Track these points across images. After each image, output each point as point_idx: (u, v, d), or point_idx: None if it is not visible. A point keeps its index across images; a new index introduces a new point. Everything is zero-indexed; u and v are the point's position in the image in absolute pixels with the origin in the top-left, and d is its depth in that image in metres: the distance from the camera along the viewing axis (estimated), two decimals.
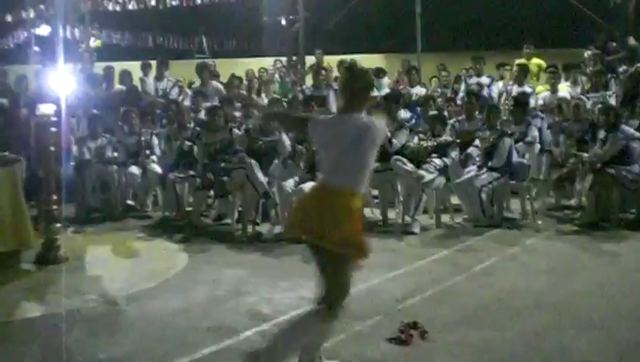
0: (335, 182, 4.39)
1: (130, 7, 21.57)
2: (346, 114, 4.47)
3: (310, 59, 16.97)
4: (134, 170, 10.38)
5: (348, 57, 13.94)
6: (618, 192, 9.07)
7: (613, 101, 11.16)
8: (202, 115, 10.92)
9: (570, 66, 12.83)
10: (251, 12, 20.70)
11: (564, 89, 12.20)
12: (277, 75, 16.20)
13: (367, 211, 9.77)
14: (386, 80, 13.83)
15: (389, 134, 9.35)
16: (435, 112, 10.39)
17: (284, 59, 18.25)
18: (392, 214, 9.64)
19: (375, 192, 10.07)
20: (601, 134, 9.35)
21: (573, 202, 10.22)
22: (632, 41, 13.80)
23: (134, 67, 13.92)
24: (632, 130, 9.33)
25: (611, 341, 5.27)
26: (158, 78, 13.18)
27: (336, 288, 4.46)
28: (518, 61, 13.64)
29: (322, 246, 4.37)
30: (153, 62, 13.53)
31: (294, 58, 18.45)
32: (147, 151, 10.64)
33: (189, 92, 13.00)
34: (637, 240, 8.48)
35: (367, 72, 4.71)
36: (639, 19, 15.41)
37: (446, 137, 9.68)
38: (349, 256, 4.42)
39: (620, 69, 12.93)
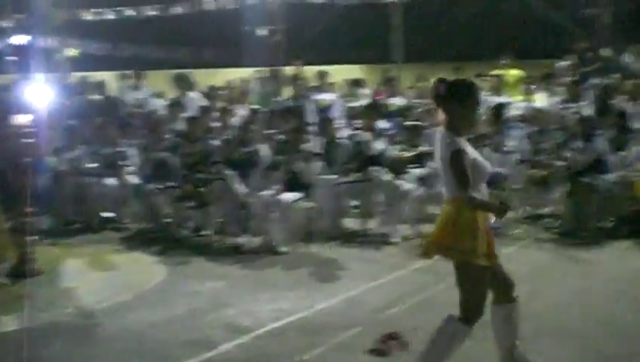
0: (449, 196, 4.51)
1: (107, 16, 21.49)
2: (444, 131, 4.49)
3: (289, 70, 16.94)
4: (111, 181, 10.26)
5: (328, 68, 13.91)
6: (595, 201, 9.11)
7: (588, 111, 11.21)
8: (180, 125, 10.84)
9: (547, 77, 12.90)
10: (230, 22, 20.64)
11: (541, 99, 12.26)
12: (257, 86, 16.14)
13: (346, 221, 9.79)
14: (365, 90, 13.84)
15: (369, 139, 9.39)
16: (414, 122, 10.37)
17: (264, 69, 18.20)
18: (371, 224, 9.60)
19: (355, 202, 10.06)
20: (577, 144, 9.40)
21: (547, 210, 10.24)
22: (606, 52, 13.94)
23: (111, 77, 13.86)
24: (604, 143, 9.40)
25: (589, 350, 5.31)
26: (136, 88, 13.11)
27: (465, 298, 4.49)
28: (495, 72, 13.69)
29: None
30: (131, 73, 13.47)
31: (273, 69, 18.40)
32: (124, 163, 10.52)
33: (157, 101, 12.94)
34: (614, 248, 8.50)
35: (463, 85, 4.60)
36: (615, 30, 15.57)
37: (424, 147, 9.68)
38: (468, 264, 4.41)
39: (594, 81, 13.05)
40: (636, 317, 6.08)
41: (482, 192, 4.50)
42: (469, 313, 4.47)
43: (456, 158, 4.34)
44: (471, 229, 4.36)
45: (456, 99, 4.47)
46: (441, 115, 4.57)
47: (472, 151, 4.47)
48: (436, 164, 4.63)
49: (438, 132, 4.57)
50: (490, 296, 4.62)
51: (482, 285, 4.48)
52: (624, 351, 5.33)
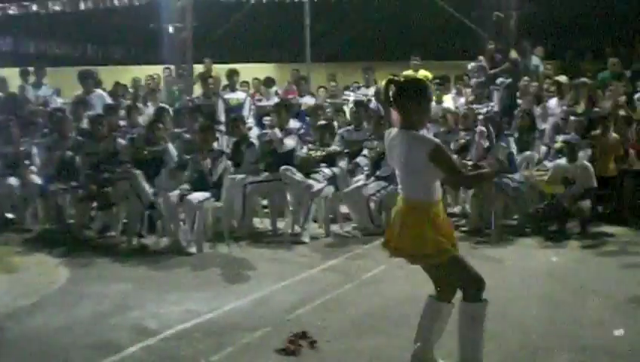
0: (408, 197, 4.53)
1: (10, 11, 20.82)
2: (403, 130, 4.50)
3: (199, 68, 16.81)
4: (13, 181, 9.94)
5: (236, 66, 13.81)
6: (500, 200, 9.31)
7: (495, 112, 11.45)
8: (85, 124, 10.60)
9: (455, 78, 13.15)
10: (138, 19, 20.32)
11: (449, 100, 12.49)
12: (166, 84, 15.95)
13: (256, 221, 9.75)
14: (275, 89, 13.83)
15: (279, 136, 9.36)
16: (323, 122, 10.40)
17: (173, 67, 18.00)
18: (281, 224, 9.59)
19: (264, 202, 10.03)
20: (486, 143, 9.56)
21: (456, 209, 10.43)
22: (513, 54, 14.30)
23: (12, 74, 13.45)
24: (512, 143, 9.62)
25: (495, 344, 5.38)
26: (37, 85, 12.76)
27: (462, 283, 4.57)
28: (404, 73, 13.86)
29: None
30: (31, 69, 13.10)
31: (183, 66, 18.23)
32: (26, 162, 10.21)
33: (59, 100, 12.64)
34: (519, 245, 8.72)
35: (417, 83, 4.66)
36: (521, 32, 15.99)
37: (335, 147, 9.73)
38: (447, 257, 4.47)
39: (498, 80, 13.36)
40: (541, 313, 6.23)
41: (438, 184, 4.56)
42: (473, 288, 4.55)
43: (439, 152, 4.35)
44: (431, 230, 4.42)
45: (412, 98, 4.50)
46: (395, 115, 4.61)
47: None
48: (394, 163, 4.65)
49: (394, 132, 4.59)
50: (432, 289, 4.74)
51: (465, 265, 4.56)
52: (530, 346, 5.44)
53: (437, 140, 4.46)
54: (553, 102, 11.71)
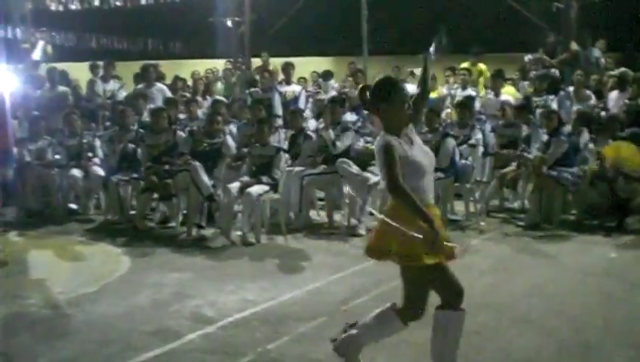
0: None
1: (73, 7, 21.29)
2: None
3: (257, 62, 16.93)
4: (76, 172, 10.18)
5: (294, 60, 13.88)
6: (560, 194, 9.21)
7: (555, 105, 11.28)
8: (145, 116, 10.80)
9: (514, 70, 12.98)
10: (197, 13, 20.55)
11: (508, 92, 12.35)
12: (224, 77, 16.09)
13: (313, 213, 9.81)
14: (333, 82, 13.86)
15: (332, 136, 9.37)
16: None
17: (232, 61, 18.17)
18: (337, 216, 9.64)
19: (321, 194, 10.08)
20: (544, 137, 9.47)
21: (516, 205, 10.32)
22: (574, 45, 14.07)
23: (77, 68, 13.74)
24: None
25: (550, 340, 5.36)
26: (105, 79, 13.04)
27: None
28: (462, 65, 13.77)
29: None
30: (100, 63, 13.37)
31: (240, 60, 18.39)
32: (89, 154, 10.47)
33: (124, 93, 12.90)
34: (577, 241, 8.59)
35: (377, 85, 4.40)
36: (581, 24, 15.70)
37: None
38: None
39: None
40: (597, 308, 6.15)
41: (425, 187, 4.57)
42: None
43: (381, 153, 4.21)
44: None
45: (381, 100, 4.32)
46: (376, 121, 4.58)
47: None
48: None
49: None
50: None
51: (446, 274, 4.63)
52: (584, 341, 5.38)
53: (388, 141, 4.20)
54: (614, 96, 11.50)
